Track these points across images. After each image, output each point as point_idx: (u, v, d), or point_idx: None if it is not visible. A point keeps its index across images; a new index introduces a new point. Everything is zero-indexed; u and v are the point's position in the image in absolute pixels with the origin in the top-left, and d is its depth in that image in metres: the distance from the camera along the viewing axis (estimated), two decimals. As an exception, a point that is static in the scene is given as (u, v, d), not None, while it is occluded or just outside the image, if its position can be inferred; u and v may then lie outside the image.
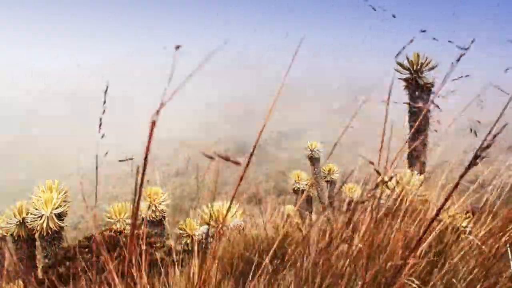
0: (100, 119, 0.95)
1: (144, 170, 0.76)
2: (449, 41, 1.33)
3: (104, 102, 0.94)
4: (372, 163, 1.19)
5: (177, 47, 0.69)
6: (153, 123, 0.70)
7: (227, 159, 0.74)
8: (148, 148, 0.73)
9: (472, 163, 0.81)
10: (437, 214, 0.84)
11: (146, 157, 0.75)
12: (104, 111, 0.94)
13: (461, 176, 0.83)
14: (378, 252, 1.19)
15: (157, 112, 0.70)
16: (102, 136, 0.96)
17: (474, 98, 1.38)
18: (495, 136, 0.80)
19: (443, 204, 0.84)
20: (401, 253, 1.16)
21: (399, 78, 5.78)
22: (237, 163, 0.75)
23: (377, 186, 1.15)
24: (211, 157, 0.74)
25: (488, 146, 0.80)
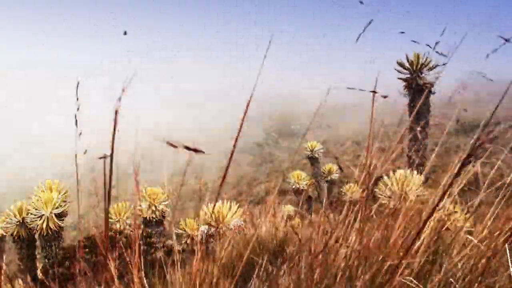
0: (75, 116, 0.95)
1: (111, 161, 0.76)
2: (427, 45, 1.34)
3: (77, 99, 0.94)
4: (340, 166, 1.19)
5: (125, 33, 0.72)
6: (116, 112, 0.71)
7: (189, 148, 0.76)
8: (113, 138, 0.74)
9: (466, 162, 0.81)
10: (431, 213, 0.84)
11: (112, 149, 0.75)
12: (78, 108, 0.94)
13: (456, 174, 0.83)
14: (375, 251, 1.19)
15: (119, 100, 0.70)
16: (80, 134, 0.96)
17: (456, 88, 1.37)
18: (488, 134, 0.80)
19: (438, 203, 0.84)
20: (399, 252, 1.16)
21: (399, 78, 5.78)
22: (199, 151, 0.76)
23: (374, 184, 1.15)
24: (174, 146, 0.75)
25: (480, 145, 0.80)
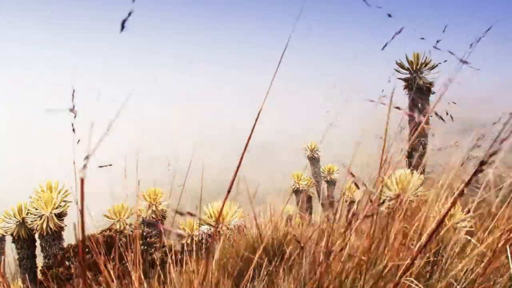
0: (72, 125, 0.94)
1: (83, 226, 0.74)
2: (435, 47, 1.33)
3: (73, 106, 0.92)
4: (353, 175, 1.19)
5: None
6: (82, 181, 0.68)
7: (191, 214, 0.85)
8: (82, 204, 0.71)
9: (478, 170, 0.80)
10: (441, 221, 0.83)
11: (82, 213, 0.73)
12: (75, 116, 0.92)
13: (467, 183, 0.82)
14: (378, 255, 1.19)
15: (84, 166, 0.68)
16: (78, 141, 0.95)
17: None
18: (502, 141, 0.79)
19: (448, 210, 0.82)
20: (402, 255, 1.16)
21: (399, 78, 5.77)
22: (192, 215, 0.86)
23: (380, 204, 1.15)
24: (181, 214, 0.84)
25: (495, 153, 0.78)
